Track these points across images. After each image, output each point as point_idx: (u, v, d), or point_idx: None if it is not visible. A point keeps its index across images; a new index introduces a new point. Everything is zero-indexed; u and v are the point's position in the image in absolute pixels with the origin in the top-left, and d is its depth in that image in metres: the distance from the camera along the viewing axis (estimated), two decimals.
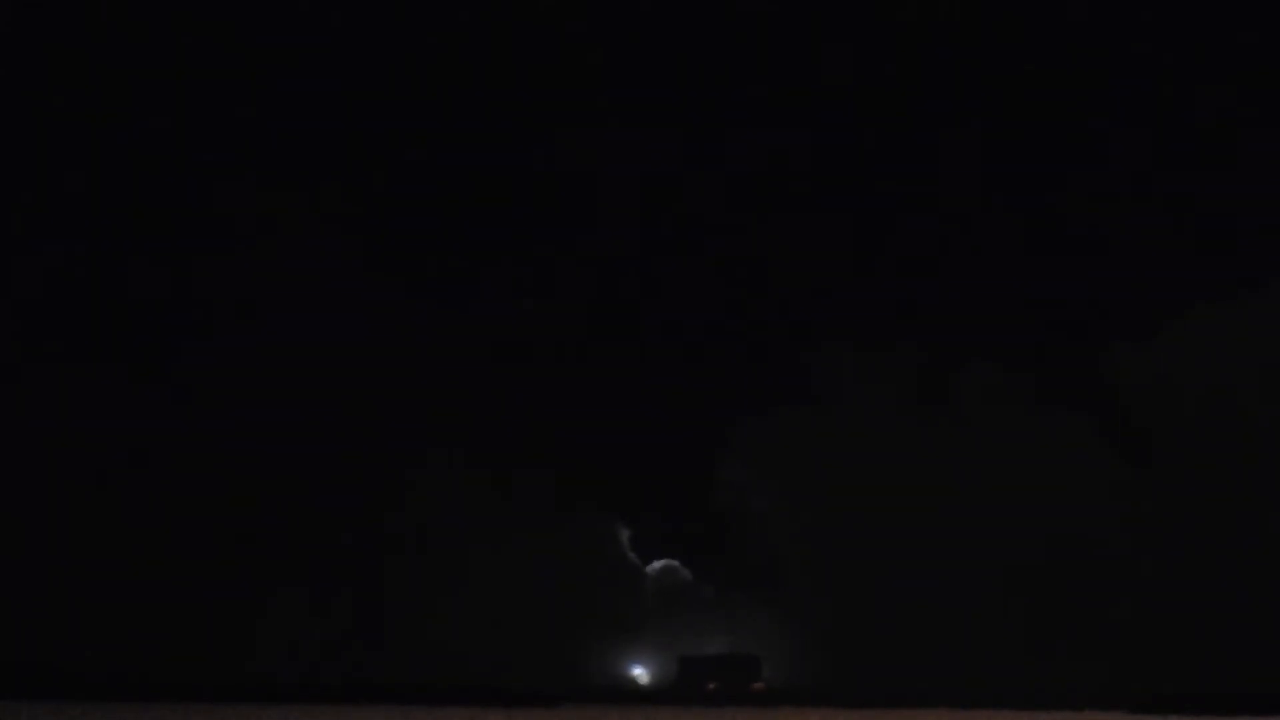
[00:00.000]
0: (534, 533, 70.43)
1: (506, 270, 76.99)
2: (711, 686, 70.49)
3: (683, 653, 72.65)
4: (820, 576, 71.18)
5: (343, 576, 69.60)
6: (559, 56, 75.94)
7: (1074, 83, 74.38)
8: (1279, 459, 65.54)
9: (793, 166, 76.60)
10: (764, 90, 76.53)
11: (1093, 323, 73.12)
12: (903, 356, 71.90)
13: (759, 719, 54.77)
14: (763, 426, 73.48)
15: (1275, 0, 70.49)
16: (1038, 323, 73.87)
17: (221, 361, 71.32)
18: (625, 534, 74.77)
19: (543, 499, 71.29)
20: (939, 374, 72.28)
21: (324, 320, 72.28)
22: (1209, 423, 67.70)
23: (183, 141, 72.91)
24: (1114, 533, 68.14)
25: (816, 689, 67.50)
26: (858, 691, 64.88)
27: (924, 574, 68.50)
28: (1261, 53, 71.12)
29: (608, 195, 77.29)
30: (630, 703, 65.90)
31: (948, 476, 69.30)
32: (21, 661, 62.78)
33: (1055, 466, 68.32)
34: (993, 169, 75.48)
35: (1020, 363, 71.35)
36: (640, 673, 73.48)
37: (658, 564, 75.38)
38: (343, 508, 70.13)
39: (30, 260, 71.51)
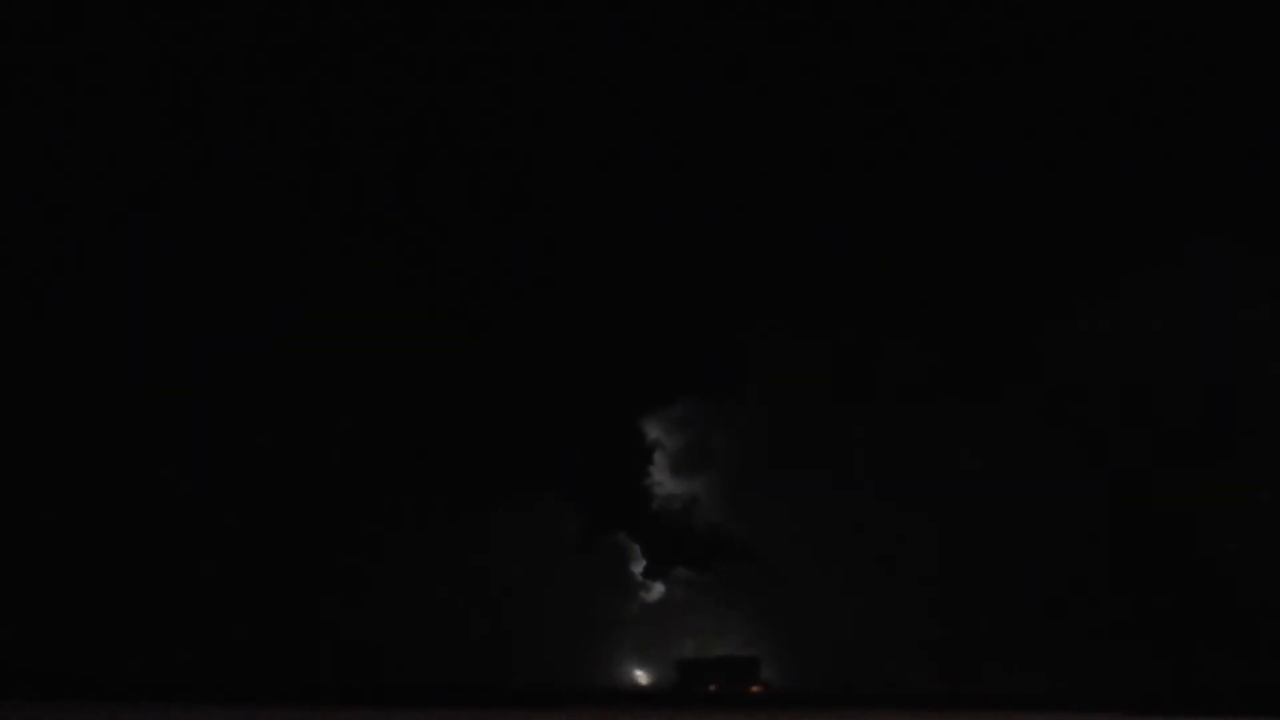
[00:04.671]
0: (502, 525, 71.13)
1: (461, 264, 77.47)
2: (711, 688, 70.54)
3: (680, 656, 72.74)
4: (771, 568, 72.03)
5: (339, 577, 69.70)
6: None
7: (998, 63, 75.42)
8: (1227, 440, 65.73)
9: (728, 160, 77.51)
10: (683, 78, 77.11)
11: (1022, 303, 73.28)
12: (841, 342, 72.75)
13: None
14: (695, 415, 74.62)
15: None
16: (969, 304, 74.30)
17: (217, 362, 71.64)
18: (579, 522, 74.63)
19: (507, 491, 71.98)
20: (872, 360, 72.69)
21: (304, 319, 72.79)
22: (1150, 402, 67.81)
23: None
24: (1071, 517, 68.08)
25: (816, 691, 67.54)
26: (856, 693, 64.97)
27: (894, 569, 69.00)
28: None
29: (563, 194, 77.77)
30: (630, 704, 65.84)
31: (900, 464, 69.74)
32: (21, 661, 62.89)
33: (1005, 450, 68.55)
34: (915, 151, 76.50)
35: (956, 346, 71.79)
36: (640, 674, 73.54)
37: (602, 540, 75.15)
38: (337, 510, 70.40)
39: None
